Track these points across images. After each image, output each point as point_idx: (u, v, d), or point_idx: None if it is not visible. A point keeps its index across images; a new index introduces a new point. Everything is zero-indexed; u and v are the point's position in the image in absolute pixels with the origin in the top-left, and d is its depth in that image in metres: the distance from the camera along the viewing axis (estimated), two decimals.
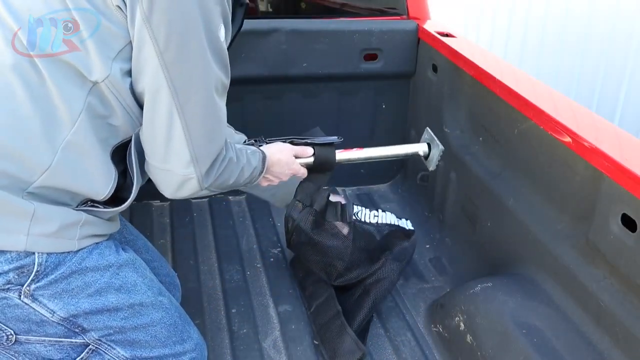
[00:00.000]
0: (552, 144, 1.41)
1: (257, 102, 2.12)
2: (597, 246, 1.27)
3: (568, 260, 1.36)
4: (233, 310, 1.73)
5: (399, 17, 2.15)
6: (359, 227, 1.68)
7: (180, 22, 0.97)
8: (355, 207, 1.71)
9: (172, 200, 2.24)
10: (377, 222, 1.75)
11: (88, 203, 1.05)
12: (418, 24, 2.09)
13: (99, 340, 1.10)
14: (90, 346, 1.10)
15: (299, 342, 1.62)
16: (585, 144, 1.24)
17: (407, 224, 1.81)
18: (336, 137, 1.55)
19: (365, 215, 1.75)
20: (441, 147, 1.62)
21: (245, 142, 1.48)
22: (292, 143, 1.49)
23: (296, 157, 1.46)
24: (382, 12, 2.17)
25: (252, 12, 2.22)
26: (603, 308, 1.24)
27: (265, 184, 1.41)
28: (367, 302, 1.63)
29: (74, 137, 0.97)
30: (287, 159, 1.41)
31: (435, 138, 1.64)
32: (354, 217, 1.67)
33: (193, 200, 2.26)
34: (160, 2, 0.94)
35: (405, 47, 2.11)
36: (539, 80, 1.63)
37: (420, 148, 1.67)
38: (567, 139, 1.30)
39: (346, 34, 2.05)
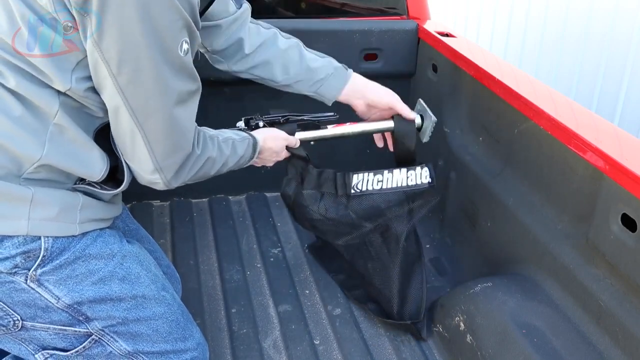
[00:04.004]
0: (552, 144, 1.41)
1: (257, 101, 2.12)
2: (597, 246, 1.27)
3: (568, 260, 1.36)
4: (233, 310, 1.73)
5: (399, 17, 2.15)
6: (359, 200, 1.59)
7: (131, 49, 0.92)
8: (355, 176, 1.59)
9: (172, 200, 2.24)
10: (381, 188, 1.58)
11: (85, 181, 1.07)
12: (418, 24, 2.09)
13: (102, 330, 1.11)
14: (93, 336, 1.12)
15: (299, 342, 1.62)
16: (585, 144, 1.24)
17: (422, 177, 1.57)
18: (332, 113, 1.55)
19: (368, 182, 1.59)
20: (434, 118, 1.57)
21: (242, 119, 1.49)
22: (287, 120, 1.49)
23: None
24: (382, 12, 2.17)
25: (252, 12, 2.22)
26: (603, 308, 1.24)
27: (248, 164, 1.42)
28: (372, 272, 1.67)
29: (57, 127, 0.98)
30: (278, 149, 1.43)
31: (428, 109, 1.60)
32: (353, 190, 1.58)
33: (193, 200, 2.26)
34: (110, 29, 0.90)
35: (405, 47, 2.11)
36: (539, 80, 1.63)
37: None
38: (567, 139, 1.30)
39: (346, 34, 2.05)
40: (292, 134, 1.51)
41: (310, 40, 2.03)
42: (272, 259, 1.97)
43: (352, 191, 1.58)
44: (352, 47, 2.07)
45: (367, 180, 1.58)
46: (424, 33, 2.06)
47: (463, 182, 1.86)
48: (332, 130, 1.57)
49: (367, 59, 2.11)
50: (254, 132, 1.37)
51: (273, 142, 1.41)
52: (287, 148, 1.50)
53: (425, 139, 1.61)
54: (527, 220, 1.52)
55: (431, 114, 1.59)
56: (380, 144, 1.63)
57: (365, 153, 2.20)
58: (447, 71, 1.93)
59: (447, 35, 1.97)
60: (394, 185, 1.57)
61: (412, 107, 1.66)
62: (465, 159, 1.83)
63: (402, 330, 1.66)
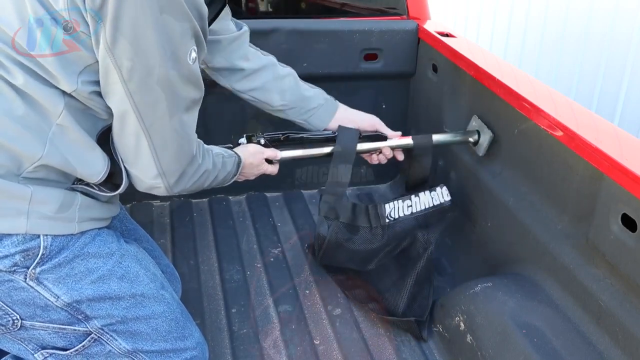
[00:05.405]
0: (552, 144, 1.41)
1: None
2: (597, 246, 1.27)
3: (568, 260, 1.36)
4: (233, 310, 1.73)
5: (399, 17, 2.14)
6: (393, 227, 1.69)
7: (143, 55, 0.95)
8: (387, 206, 1.70)
9: (172, 200, 2.24)
10: (411, 212, 1.70)
11: (83, 181, 1.07)
12: (418, 24, 2.09)
13: (101, 329, 1.12)
14: (93, 335, 1.12)
15: (299, 342, 1.62)
16: (585, 144, 1.24)
17: (443, 195, 1.71)
18: (331, 132, 1.61)
19: (399, 209, 1.70)
20: (491, 134, 1.67)
21: (244, 136, 1.53)
22: (286, 138, 1.55)
23: (268, 159, 1.51)
24: (382, 12, 2.17)
25: (252, 12, 2.22)
26: (603, 308, 1.24)
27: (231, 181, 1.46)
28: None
29: (59, 128, 0.99)
30: (257, 163, 1.48)
31: (485, 125, 1.70)
32: (387, 220, 1.68)
33: (193, 200, 2.26)
34: (124, 35, 0.92)
35: (405, 47, 2.11)
36: (539, 80, 1.63)
37: (470, 136, 1.73)
38: (567, 139, 1.30)
39: (346, 34, 2.05)
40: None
41: (311, 40, 2.04)
42: (272, 259, 1.97)
43: (387, 221, 1.68)
44: (352, 47, 2.07)
45: (399, 208, 1.70)
46: (424, 33, 2.06)
47: (463, 182, 1.86)
48: (401, 141, 1.65)
49: (367, 59, 2.11)
50: (236, 149, 1.42)
51: (253, 158, 1.45)
52: (273, 161, 1.54)
53: (482, 152, 1.71)
54: (527, 220, 1.52)
55: (488, 129, 1.68)
56: (374, 161, 1.68)
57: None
58: (447, 71, 1.93)
59: (447, 35, 1.97)
60: (422, 207, 1.70)
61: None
62: (465, 159, 1.83)
63: (402, 331, 1.66)
